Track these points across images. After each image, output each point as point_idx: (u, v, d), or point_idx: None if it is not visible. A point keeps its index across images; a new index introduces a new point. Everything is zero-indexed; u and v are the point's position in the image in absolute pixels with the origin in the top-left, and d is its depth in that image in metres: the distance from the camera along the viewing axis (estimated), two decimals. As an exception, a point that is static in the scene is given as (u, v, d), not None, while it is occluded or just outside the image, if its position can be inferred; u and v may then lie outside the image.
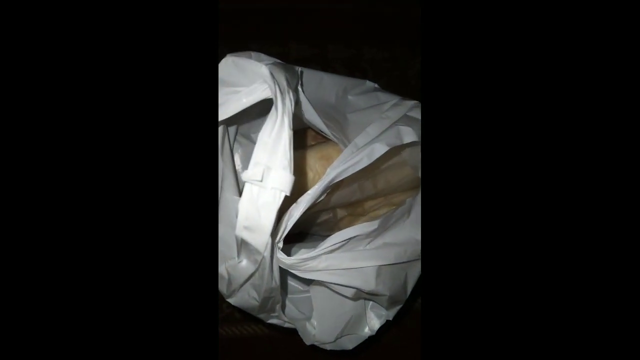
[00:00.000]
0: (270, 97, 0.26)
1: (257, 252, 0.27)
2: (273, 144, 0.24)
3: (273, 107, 0.25)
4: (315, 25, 0.73)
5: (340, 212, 0.52)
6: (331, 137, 0.44)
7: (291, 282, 0.42)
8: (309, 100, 0.40)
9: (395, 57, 0.72)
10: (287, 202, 0.32)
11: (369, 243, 0.32)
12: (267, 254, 0.27)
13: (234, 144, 0.40)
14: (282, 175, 0.24)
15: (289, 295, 0.41)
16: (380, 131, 0.36)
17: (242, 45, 0.37)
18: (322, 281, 0.31)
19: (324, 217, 0.51)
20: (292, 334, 0.41)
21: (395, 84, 0.71)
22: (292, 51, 0.71)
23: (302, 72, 0.39)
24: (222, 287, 0.32)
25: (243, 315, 0.55)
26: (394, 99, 0.44)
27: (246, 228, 0.25)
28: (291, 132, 0.25)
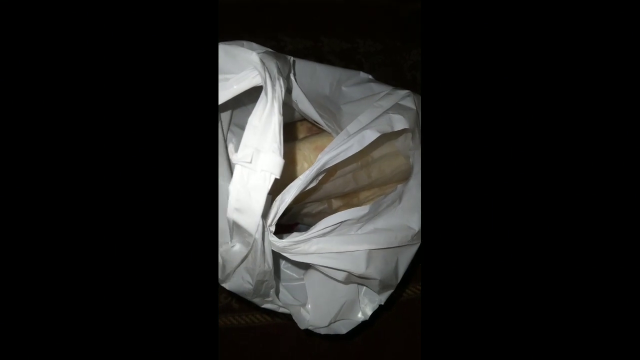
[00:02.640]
0: (261, 84, 0.26)
1: (249, 234, 0.27)
2: (263, 128, 0.25)
3: (262, 92, 0.25)
4: (309, 19, 0.73)
5: (335, 203, 0.52)
6: (325, 127, 0.45)
7: (286, 270, 0.43)
8: (302, 90, 0.41)
9: (389, 49, 0.73)
10: (280, 189, 0.32)
11: (360, 228, 0.33)
12: (258, 235, 0.27)
13: (227, 133, 0.40)
14: (272, 158, 0.25)
15: (284, 283, 0.42)
16: (372, 119, 0.37)
17: (234, 39, 0.37)
18: (314, 264, 0.32)
19: (319, 207, 0.52)
20: (288, 324, 0.41)
21: (390, 76, 0.71)
22: (286, 44, 0.71)
23: (294, 62, 0.40)
24: (217, 272, 0.32)
25: (240, 305, 0.56)
26: (386, 89, 0.45)
27: (237, 210, 0.26)
28: (281, 118, 0.26)
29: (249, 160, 0.24)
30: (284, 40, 0.72)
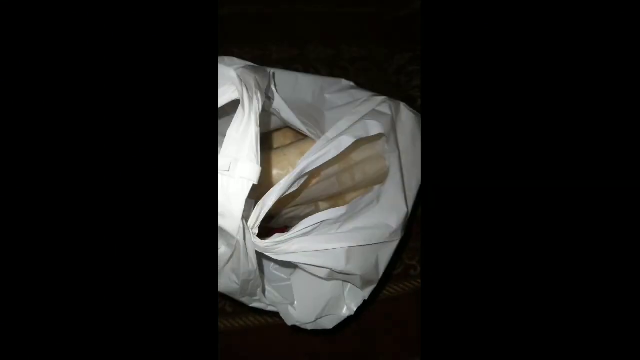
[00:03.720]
0: (239, 97, 0.29)
1: (231, 236, 0.29)
2: (241, 139, 0.27)
3: (240, 106, 0.28)
4: (295, 28, 0.76)
5: (323, 205, 0.54)
6: (308, 133, 0.47)
7: (275, 272, 0.45)
8: (284, 100, 0.43)
9: (373, 55, 0.75)
10: (263, 194, 0.34)
11: (339, 227, 0.35)
12: (240, 237, 0.29)
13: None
14: (249, 166, 0.27)
15: (273, 284, 0.43)
16: (349, 125, 0.39)
17: (223, 50, 0.39)
18: (296, 262, 0.34)
19: (306, 210, 0.54)
20: (281, 325, 0.43)
21: (375, 80, 0.73)
22: (273, 53, 0.73)
23: (274, 74, 0.42)
24: (206, 274, 0.34)
25: (234, 308, 0.58)
26: (365, 95, 0.47)
27: (219, 215, 0.28)
28: (258, 129, 0.28)
29: (227, 169, 0.27)
30: (270, 49, 0.75)
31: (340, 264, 0.34)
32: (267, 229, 0.50)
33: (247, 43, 0.73)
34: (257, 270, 0.33)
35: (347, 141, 0.36)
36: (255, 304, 0.38)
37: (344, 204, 0.54)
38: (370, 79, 0.74)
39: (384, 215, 0.38)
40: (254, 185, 0.28)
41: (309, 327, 0.39)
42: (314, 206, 0.54)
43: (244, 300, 0.36)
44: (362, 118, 0.40)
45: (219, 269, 0.33)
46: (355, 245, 0.35)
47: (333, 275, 0.36)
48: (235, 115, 0.28)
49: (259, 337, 0.55)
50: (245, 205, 0.28)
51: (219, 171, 0.27)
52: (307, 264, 0.34)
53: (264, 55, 0.73)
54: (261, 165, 0.27)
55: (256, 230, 0.32)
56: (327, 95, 0.49)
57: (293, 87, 0.48)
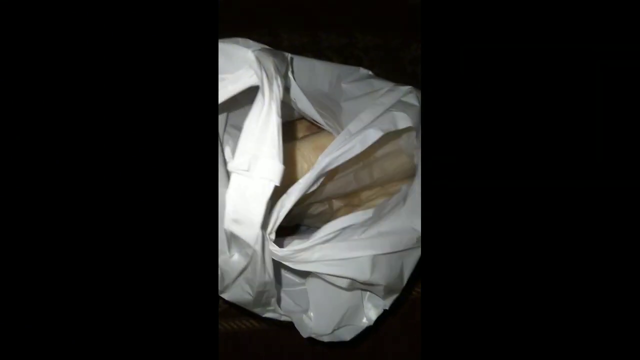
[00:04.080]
0: (257, 84, 0.25)
1: (248, 245, 0.26)
2: (260, 132, 0.23)
3: (259, 94, 0.24)
4: (307, 14, 0.72)
5: (337, 203, 0.51)
6: (325, 126, 0.43)
7: (287, 275, 0.42)
8: (301, 88, 0.39)
9: (388, 44, 0.71)
10: (279, 193, 0.31)
11: (363, 232, 0.31)
12: (258, 247, 0.26)
13: (224, 135, 0.39)
14: (271, 165, 0.23)
15: (285, 289, 0.40)
16: (374, 117, 0.35)
17: (230, 36, 0.36)
18: (317, 272, 0.31)
19: (319, 208, 0.51)
20: (290, 328, 0.41)
21: (390, 71, 0.70)
22: (283, 41, 0.69)
23: (292, 59, 0.38)
24: (215, 281, 0.31)
25: (240, 309, 0.55)
26: (388, 85, 0.43)
27: (235, 221, 0.24)
28: (279, 120, 0.24)
29: (246, 168, 0.23)
30: (281, 36, 0.71)
31: (364, 274, 0.31)
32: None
33: (256, 29, 0.69)
34: (273, 281, 0.29)
35: (374, 135, 0.32)
36: (269, 314, 0.34)
37: (359, 202, 0.51)
38: (386, 69, 0.70)
39: (410, 218, 0.34)
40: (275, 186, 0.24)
41: (326, 339, 0.36)
42: (327, 204, 0.51)
43: (257, 311, 0.33)
44: (388, 109, 0.36)
45: (231, 279, 0.29)
46: (380, 253, 0.31)
47: (355, 285, 0.32)
48: (254, 104, 0.24)
49: (265, 338, 0.53)
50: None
51: (236, 171, 0.23)
52: (329, 274, 0.31)
53: (275, 42, 0.69)
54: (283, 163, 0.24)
55: (273, 236, 0.28)
56: (344, 85, 0.46)
57: (309, 75, 0.44)
